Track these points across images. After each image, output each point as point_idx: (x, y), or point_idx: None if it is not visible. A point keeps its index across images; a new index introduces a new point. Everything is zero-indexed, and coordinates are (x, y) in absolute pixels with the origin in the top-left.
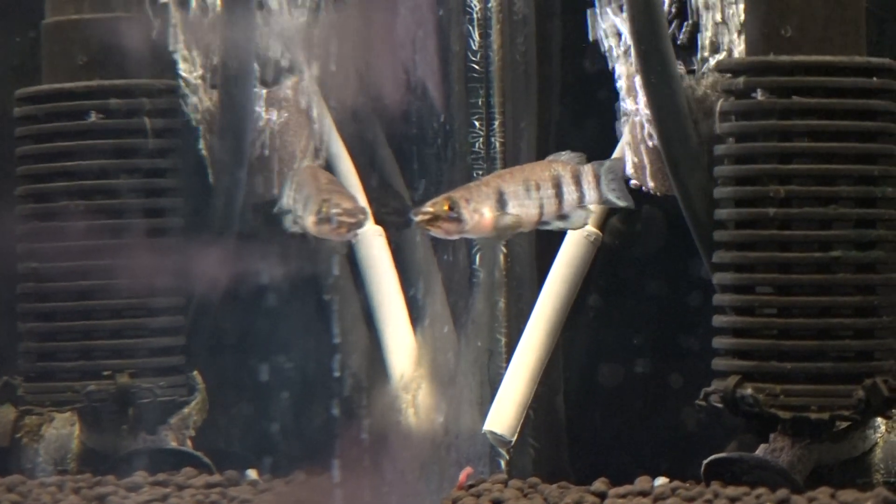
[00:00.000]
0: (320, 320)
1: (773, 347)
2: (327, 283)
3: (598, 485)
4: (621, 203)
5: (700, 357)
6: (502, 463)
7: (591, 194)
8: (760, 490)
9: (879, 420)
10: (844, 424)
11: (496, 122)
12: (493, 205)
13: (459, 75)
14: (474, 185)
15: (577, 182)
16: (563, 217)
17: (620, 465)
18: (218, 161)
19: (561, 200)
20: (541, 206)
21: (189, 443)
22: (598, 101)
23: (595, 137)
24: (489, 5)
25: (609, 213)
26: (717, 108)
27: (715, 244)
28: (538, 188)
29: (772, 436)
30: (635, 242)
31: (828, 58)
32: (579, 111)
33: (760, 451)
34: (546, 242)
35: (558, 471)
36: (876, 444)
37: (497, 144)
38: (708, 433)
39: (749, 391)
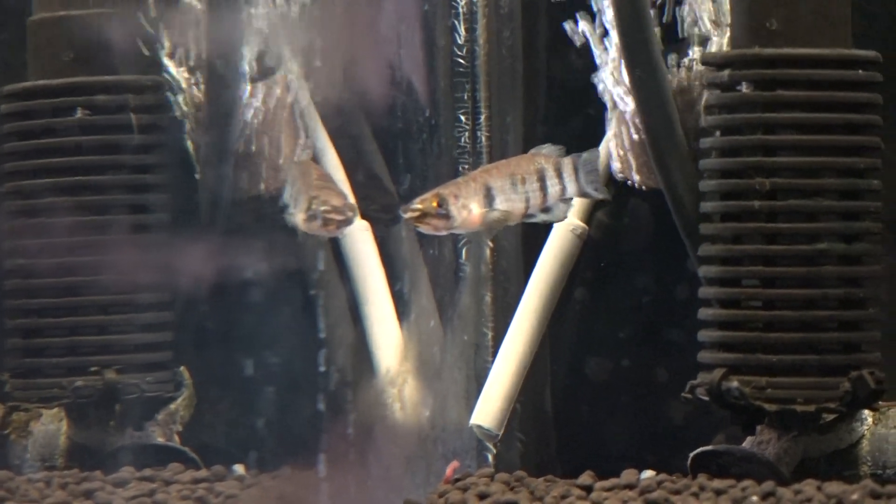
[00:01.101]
0: (306, 315)
1: (759, 340)
2: (313, 278)
3: (585, 478)
4: (598, 195)
5: (687, 350)
6: (489, 457)
7: (571, 187)
8: (747, 482)
9: (866, 412)
10: (831, 417)
11: (482, 117)
12: (481, 200)
13: (445, 70)
14: (462, 181)
15: (559, 175)
16: (546, 209)
17: (608, 458)
18: (203, 157)
19: (545, 193)
20: (527, 200)
21: (176, 438)
22: (585, 96)
23: (581, 132)
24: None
25: (595, 207)
26: (703, 102)
27: (700, 237)
28: (524, 182)
29: (758, 428)
30: (622, 236)
31: (813, 50)
32: (566, 105)
33: (747, 443)
34: (532, 236)
35: (545, 464)
36: (863, 436)
37: (483, 139)
38: (695, 426)
39: (735, 384)
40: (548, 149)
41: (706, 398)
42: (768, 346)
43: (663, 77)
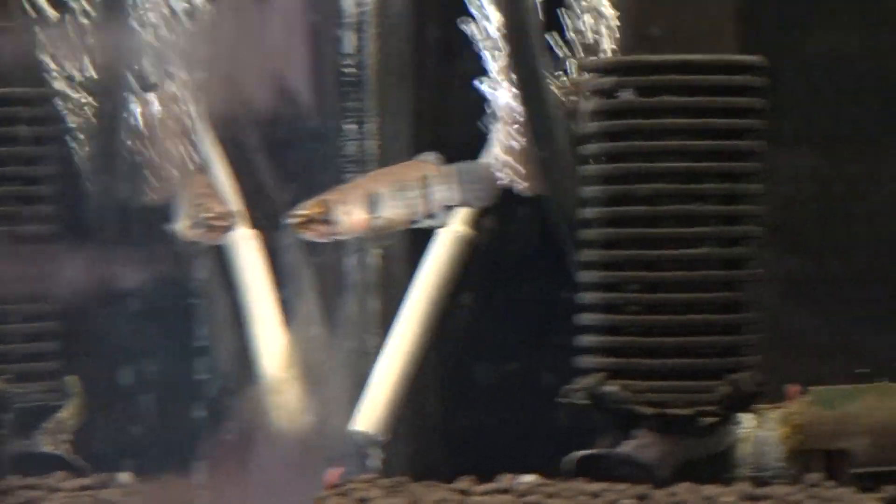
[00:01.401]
0: (191, 323)
1: (639, 344)
2: (197, 286)
3: (463, 482)
4: (479, 203)
5: (574, 354)
6: (372, 462)
7: (455, 194)
8: (623, 486)
9: (747, 414)
10: (710, 420)
11: (371, 126)
12: (366, 206)
13: (334, 79)
14: (346, 188)
15: (444, 182)
16: (431, 216)
17: (496, 462)
18: (91, 167)
19: (429, 200)
20: (411, 207)
21: (64, 447)
22: (475, 103)
23: (471, 139)
24: (364, 9)
25: (482, 213)
26: (585, 108)
27: (582, 243)
28: (408, 188)
29: (638, 432)
30: (509, 241)
31: (695, 56)
32: (456, 113)
33: (628, 446)
34: (420, 242)
35: (432, 469)
36: (744, 438)
37: (372, 148)
38: (583, 430)
39: (614, 388)
40: (432, 156)
41: (586, 402)
42: (648, 351)
43: (546, 84)
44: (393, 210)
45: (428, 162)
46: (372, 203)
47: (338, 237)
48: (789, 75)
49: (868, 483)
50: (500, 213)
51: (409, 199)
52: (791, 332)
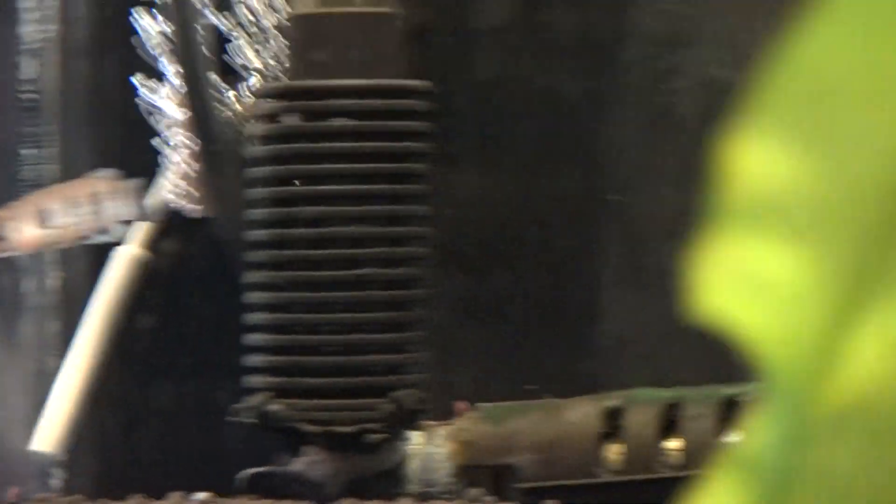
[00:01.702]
0: None
1: (305, 364)
2: None
3: (133, 500)
4: (153, 219)
5: (250, 374)
6: (53, 481)
7: (128, 210)
8: (289, 502)
9: (417, 431)
10: (376, 437)
11: (51, 150)
12: (37, 222)
13: (12, 105)
14: (16, 204)
15: (117, 198)
16: (104, 231)
17: (176, 479)
18: None
19: (102, 215)
20: (83, 222)
21: None
22: (155, 126)
23: (153, 162)
24: (46, 35)
25: (161, 233)
26: (252, 132)
27: (251, 265)
28: (80, 204)
29: (308, 449)
30: (184, 262)
31: (359, 81)
32: (137, 136)
33: (299, 464)
34: (102, 263)
35: (113, 488)
36: (411, 455)
37: (52, 172)
38: (265, 448)
39: (279, 407)
40: (107, 173)
41: (254, 421)
42: (312, 370)
43: (215, 109)
44: (64, 225)
45: (101, 178)
46: (43, 218)
47: (9, 253)
48: (458, 99)
49: (531, 498)
50: (175, 235)
51: (82, 215)
52: (460, 350)
